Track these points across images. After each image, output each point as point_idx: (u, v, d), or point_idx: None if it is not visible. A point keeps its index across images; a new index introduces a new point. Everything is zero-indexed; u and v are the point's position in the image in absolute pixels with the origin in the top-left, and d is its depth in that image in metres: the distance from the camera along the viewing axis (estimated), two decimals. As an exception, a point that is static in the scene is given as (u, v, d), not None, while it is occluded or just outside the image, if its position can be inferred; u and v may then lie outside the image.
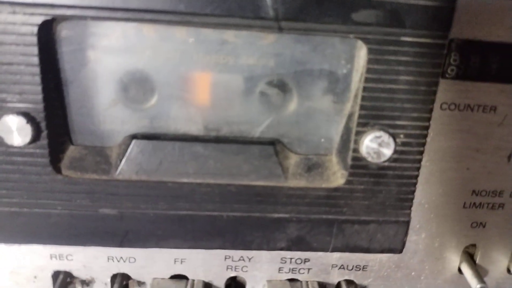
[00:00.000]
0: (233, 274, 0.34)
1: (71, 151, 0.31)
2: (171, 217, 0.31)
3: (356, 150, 0.29)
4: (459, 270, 0.35)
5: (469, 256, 0.36)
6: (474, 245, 0.35)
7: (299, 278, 0.35)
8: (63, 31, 0.28)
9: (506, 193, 0.33)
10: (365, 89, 0.28)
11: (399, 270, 0.35)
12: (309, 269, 0.35)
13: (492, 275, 0.36)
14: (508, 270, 0.36)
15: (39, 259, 0.33)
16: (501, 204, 0.34)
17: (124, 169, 0.30)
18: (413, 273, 0.35)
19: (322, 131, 0.32)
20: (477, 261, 0.36)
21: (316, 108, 0.31)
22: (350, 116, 0.30)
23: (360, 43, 0.28)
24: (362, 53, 0.28)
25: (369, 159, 0.29)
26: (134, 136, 0.30)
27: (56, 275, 0.33)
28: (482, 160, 0.32)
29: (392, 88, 0.28)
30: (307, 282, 0.35)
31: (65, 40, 0.28)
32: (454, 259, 0.35)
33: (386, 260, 0.35)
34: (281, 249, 0.32)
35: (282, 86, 0.31)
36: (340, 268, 0.35)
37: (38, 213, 0.30)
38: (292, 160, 0.32)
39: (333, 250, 0.32)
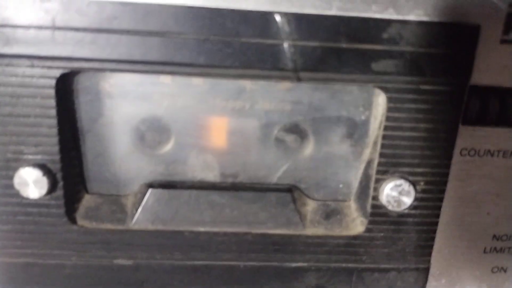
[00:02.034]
0: None
1: (86, 200, 0.30)
2: (187, 267, 0.30)
3: (375, 198, 0.29)
4: (480, 316, 0.34)
5: None
6: (495, 290, 0.34)
7: None
8: (80, 82, 0.28)
9: None
10: (384, 137, 0.28)
11: None
12: None
13: None
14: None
15: None
16: None
17: (140, 219, 0.29)
18: None
19: (340, 176, 0.31)
20: None
21: (334, 154, 0.31)
22: (369, 163, 0.30)
23: (378, 90, 0.28)
24: (380, 100, 0.28)
25: (390, 207, 0.29)
26: (150, 185, 0.30)
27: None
28: (503, 205, 0.31)
29: (412, 135, 0.28)
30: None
31: (82, 90, 0.28)
32: None
33: None
34: (300, 298, 0.31)
35: (299, 132, 0.30)
36: None
37: (52, 264, 0.30)
38: (310, 207, 0.31)
39: None
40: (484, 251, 0.33)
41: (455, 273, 0.33)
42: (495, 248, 0.33)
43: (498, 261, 0.33)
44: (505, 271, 0.33)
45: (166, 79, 0.29)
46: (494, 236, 0.32)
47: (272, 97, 0.30)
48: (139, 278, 0.30)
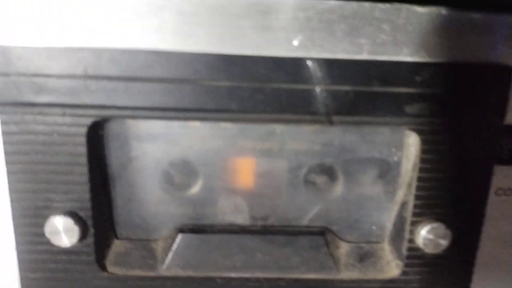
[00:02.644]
0: None
1: (116, 246, 0.30)
2: (221, 315, 0.29)
3: (411, 241, 0.29)
4: None
5: None
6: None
7: None
8: (111, 128, 0.27)
9: None
10: (419, 179, 0.27)
11: None
12: None
13: None
14: None
15: None
16: None
17: (170, 265, 0.29)
18: None
19: (373, 218, 0.31)
20: None
21: (366, 195, 0.30)
22: (403, 205, 0.29)
23: (410, 132, 0.27)
24: (412, 141, 0.28)
25: (426, 250, 0.28)
26: (180, 230, 0.29)
27: None
28: (541, 244, 0.30)
29: (447, 177, 0.27)
30: None
31: (112, 136, 0.28)
32: None
33: None
34: None
35: (329, 173, 0.30)
36: None
37: (82, 314, 0.29)
38: (343, 250, 0.30)
39: None
40: (520, 291, 0.32)
41: (491, 314, 0.32)
42: (531, 288, 0.32)
43: None
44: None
45: (195, 122, 0.29)
46: (531, 275, 0.31)
47: (302, 138, 0.29)
48: (172, 327, 0.29)
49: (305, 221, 0.31)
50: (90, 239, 0.28)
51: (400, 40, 0.25)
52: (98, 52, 0.25)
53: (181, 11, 0.24)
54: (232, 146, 0.29)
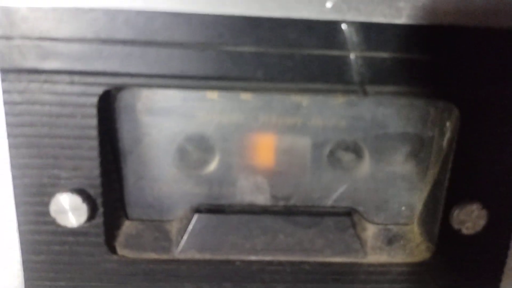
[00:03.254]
0: None
1: (127, 227, 0.28)
2: (240, 300, 0.28)
3: (445, 222, 0.27)
4: None
5: None
6: None
7: None
8: (124, 100, 0.25)
9: None
10: (456, 155, 0.25)
11: None
12: None
13: None
14: None
15: None
16: None
17: (186, 247, 0.27)
18: None
19: (403, 198, 0.29)
20: None
21: (396, 174, 0.29)
22: (436, 184, 0.27)
23: (449, 104, 0.25)
24: (452, 116, 0.26)
25: (463, 231, 0.26)
26: (197, 209, 0.28)
27: None
28: None
29: (486, 153, 0.25)
30: None
31: (125, 109, 0.26)
32: None
33: None
34: (362, 332, 0.29)
35: (357, 150, 0.28)
36: None
37: (90, 298, 0.27)
38: (370, 232, 0.29)
39: None
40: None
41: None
42: None
43: None
44: None
45: (212, 94, 0.27)
46: None
47: (329, 112, 0.27)
48: (187, 312, 0.28)
49: (330, 201, 0.29)
50: (99, 219, 0.26)
51: (442, 4, 0.23)
52: (111, 14, 0.22)
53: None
54: (252, 120, 0.27)
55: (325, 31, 0.23)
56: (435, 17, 0.24)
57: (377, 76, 0.24)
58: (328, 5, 0.23)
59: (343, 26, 0.23)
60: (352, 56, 0.24)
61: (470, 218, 0.27)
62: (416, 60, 0.24)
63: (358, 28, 0.23)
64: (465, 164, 0.26)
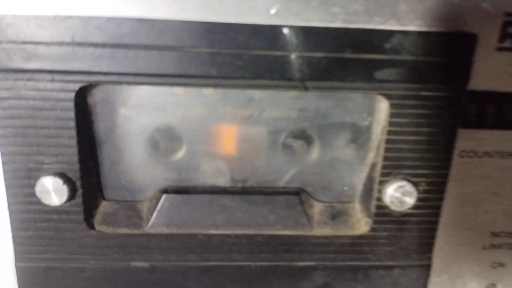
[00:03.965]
0: None
1: (104, 207, 0.32)
2: (201, 269, 0.32)
3: (379, 199, 0.31)
4: (481, 309, 0.36)
5: None
6: (494, 285, 0.36)
7: None
8: (98, 95, 0.29)
9: None
10: (388, 141, 0.29)
11: None
12: None
13: None
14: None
15: None
16: None
17: (155, 223, 0.31)
18: None
19: (345, 179, 0.33)
20: None
21: (339, 158, 0.32)
22: (372, 166, 0.31)
23: (380, 97, 0.29)
24: (383, 107, 0.30)
25: (393, 207, 0.30)
26: (165, 191, 0.31)
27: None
28: (500, 203, 0.33)
29: (413, 139, 0.30)
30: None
31: (99, 103, 0.29)
32: None
33: None
34: (309, 296, 0.33)
35: (305, 138, 0.32)
36: None
37: (72, 268, 0.31)
38: (317, 209, 0.33)
39: None
40: (483, 248, 0.34)
41: (455, 269, 0.35)
42: (493, 245, 0.34)
43: (496, 257, 0.35)
44: (503, 266, 0.35)
45: (178, 90, 0.30)
46: (492, 233, 0.34)
47: (280, 105, 0.31)
48: (155, 280, 0.31)
49: (282, 183, 0.33)
50: (78, 199, 0.29)
51: (372, 9, 0.27)
52: (84, 20, 0.26)
53: (164, -19, 0.26)
54: (213, 112, 0.31)
55: (269, 34, 0.27)
56: (366, 21, 0.27)
57: (315, 73, 0.28)
58: (272, 11, 0.27)
59: (285, 30, 0.27)
60: (293, 56, 0.27)
61: (401, 196, 0.30)
62: (349, 59, 0.28)
63: (298, 32, 0.27)
64: (394, 148, 0.30)
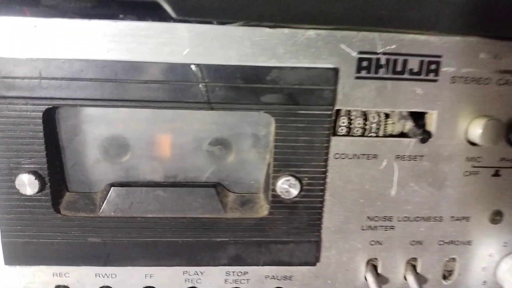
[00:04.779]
0: (190, 285, 0.44)
1: (67, 196, 0.42)
2: (141, 243, 0.42)
3: (274, 190, 0.41)
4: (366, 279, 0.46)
5: (373, 267, 0.46)
6: (376, 259, 0.46)
7: (241, 287, 0.46)
8: (60, 113, 0.40)
9: (395, 218, 0.44)
10: (276, 146, 0.40)
11: (318, 279, 0.45)
12: (248, 279, 0.45)
13: (392, 282, 0.47)
14: (405, 277, 0.47)
15: (45, 276, 0.43)
16: (392, 227, 0.44)
17: (105, 209, 0.41)
18: (329, 281, 0.46)
19: (252, 176, 0.43)
20: (379, 271, 0.46)
21: (247, 159, 0.43)
22: (269, 165, 0.41)
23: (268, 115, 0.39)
24: (272, 121, 0.40)
25: (283, 196, 0.41)
26: (112, 184, 0.42)
27: (58, 289, 0.44)
28: (372, 194, 0.43)
29: (296, 145, 0.40)
30: (247, 290, 0.45)
31: (61, 119, 0.40)
32: (360, 270, 0.46)
33: (307, 271, 0.44)
34: (224, 265, 0.43)
35: (222, 144, 0.42)
36: (271, 278, 0.45)
37: (43, 243, 0.41)
38: (230, 198, 0.43)
39: (264, 264, 0.43)
40: (362, 229, 0.44)
41: (342, 245, 0.45)
42: (370, 226, 0.44)
43: (373, 236, 0.44)
44: (380, 243, 0.45)
45: (123, 109, 0.41)
46: (368, 217, 0.44)
47: (201, 119, 0.42)
48: (106, 251, 0.42)
49: (203, 178, 0.43)
50: (47, 191, 0.39)
51: (257, 52, 0.38)
52: (48, 61, 0.36)
53: (105, 34, 0.36)
54: (151, 125, 0.41)
55: (183, 70, 0.37)
56: (253, 60, 0.38)
57: (218, 97, 0.38)
58: (185, 52, 0.38)
59: (193, 67, 0.38)
60: (200, 85, 0.38)
61: (288, 188, 0.41)
62: (241, 87, 0.38)
63: (203, 68, 0.37)
64: (282, 152, 0.40)
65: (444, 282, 0.47)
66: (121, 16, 0.37)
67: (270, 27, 0.37)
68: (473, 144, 0.42)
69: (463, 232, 0.45)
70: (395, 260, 0.46)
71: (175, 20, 0.36)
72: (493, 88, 0.40)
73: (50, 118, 0.39)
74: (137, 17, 0.37)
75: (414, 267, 0.46)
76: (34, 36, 0.36)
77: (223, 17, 0.36)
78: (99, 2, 0.38)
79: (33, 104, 0.37)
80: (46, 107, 0.37)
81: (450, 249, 0.46)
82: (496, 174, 0.43)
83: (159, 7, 0.35)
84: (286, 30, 0.37)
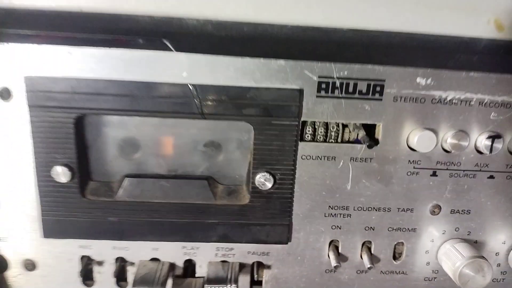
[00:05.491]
0: (187, 257, 0.52)
1: (91, 185, 0.53)
2: (149, 223, 0.52)
3: (253, 183, 0.51)
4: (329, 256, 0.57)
5: (335, 247, 0.55)
6: (337, 240, 0.56)
7: (228, 260, 0.54)
8: (87, 119, 0.51)
9: (351, 207, 0.53)
10: (254, 149, 0.51)
11: (290, 256, 0.53)
12: (234, 254, 0.53)
13: (351, 260, 0.56)
14: (361, 257, 0.58)
15: (72, 248, 0.51)
16: (349, 215, 0.53)
17: (121, 195, 0.52)
18: (299, 258, 0.53)
19: (237, 171, 0.54)
20: (340, 251, 0.54)
21: (234, 158, 0.54)
22: (250, 163, 0.53)
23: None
24: (252, 129, 0.51)
25: (260, 188, 0.52)
26: (127, 175, 0.53)
27: (82, 258, 0.52)
28: (332, 188, 0.52)
29: (270, 148, 0.51)
30: (233, 263, 0.53)
31: (88, 124, 0.51)
32: (324, 249, 0.53)
33: (281, 249, 0.52)
34: (214, 241, 0.53)
35: (214, 145, 0.53)
36: (253, 253, 0.53)
37: (72, 221, 0.52)
38: (219, 189, 0.53)
39: (246, 242, 0.53)
40: (325, 215, 0.54)
41: (308, 228, 0.54)
42: (331, 214, 0.54)
43: (334, 222, 0.53)
44: (340, 228, 0.55)
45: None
46: (329, 206, 0.54)
47: (198, 126, 0.53)
48: (121, 229, 0.52)
49: (198, 173, 0.52)
50: (76, 180, 0.50)
51: (239, 75, 0.48)
52: (79, 80, 0.48)
53: (123, 59, 0.48)
54: (158, 130, 0.52)
55: (182, 88, 0.49)
56: (235, 82, 0.49)
57: (209, 109, 0.49)
58: (184, 75, 0.49)
59: (190, 86, 0.49)
60: (196, 100, 0.49)
61: (264, 181, 0.52)
62: (226, 101, 0.49)
63: (197, 87, 0.49)
64: (259, 153, 0.51)
65: (394, 262, 0.56)
66: (136, 44, 0.48)
67: (250, 57, 0.48)
68: (413, 150, 0.52)
69: (408, 221, 0.55)
70: (353, 242, 0.54)
71: (176, 50, 0.47)
72: (428, 106, 0.50)
73: (79, 123, 0.49)
74: (148, 47, 0.48)
75: (369, 248, 0.54)
76: (68, 60, 0.47)
77: (213, 52, 0.47)
78: (118, 35, 0.49)
79: (67, 112, 0.46)
80: (77, 115, 0.48)
81: (398, 235, 0.56)
82: (434, 174, 0.53)
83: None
84: (262, 60, 0.48)
